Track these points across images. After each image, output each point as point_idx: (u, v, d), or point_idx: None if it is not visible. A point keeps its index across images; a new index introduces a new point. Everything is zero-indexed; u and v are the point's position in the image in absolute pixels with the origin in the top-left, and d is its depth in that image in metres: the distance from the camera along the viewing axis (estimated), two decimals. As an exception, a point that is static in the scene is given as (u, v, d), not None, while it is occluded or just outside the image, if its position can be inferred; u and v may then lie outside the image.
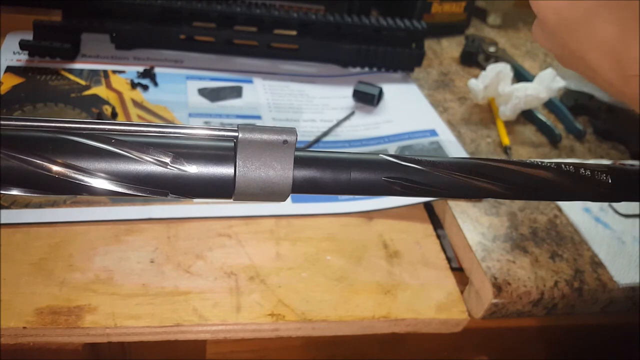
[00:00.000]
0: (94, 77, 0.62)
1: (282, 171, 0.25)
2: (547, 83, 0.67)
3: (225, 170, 0.24)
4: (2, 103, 0.56)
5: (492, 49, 0.81)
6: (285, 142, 0.25)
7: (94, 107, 0.58)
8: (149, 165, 0.23)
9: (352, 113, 0.65)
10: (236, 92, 0.65)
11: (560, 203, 0.57)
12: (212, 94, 0.64)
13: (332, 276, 0.47)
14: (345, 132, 0.62)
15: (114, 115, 0.57)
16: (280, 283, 0.45)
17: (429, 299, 0.47)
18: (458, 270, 0.51)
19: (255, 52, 0.69)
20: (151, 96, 0.61)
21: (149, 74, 0.63)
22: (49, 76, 0.60)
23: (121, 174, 0.23)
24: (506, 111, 0.68)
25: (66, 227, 0.46)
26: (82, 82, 0.61)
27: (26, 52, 0.62)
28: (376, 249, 0.50)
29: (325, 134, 0.61)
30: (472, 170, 0.28)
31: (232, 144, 0.25)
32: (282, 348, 0.51)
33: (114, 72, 0.63)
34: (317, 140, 0.60)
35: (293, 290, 0.45)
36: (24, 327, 0.38)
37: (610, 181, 0.30)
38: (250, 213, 0.50)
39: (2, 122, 0.22)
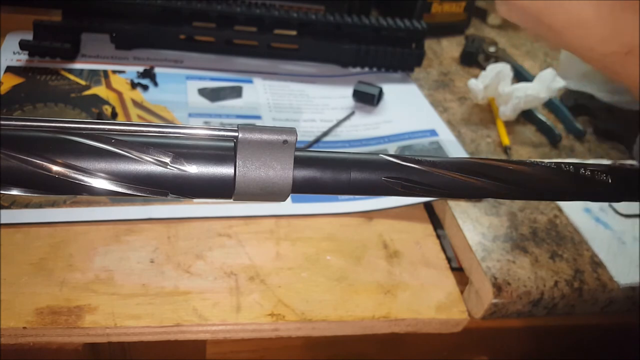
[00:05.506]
0: (94, 77, 0.62)
1: (282, 171, 0.25)
2: (547, 83, 0.67)
3: (225, 170, 0.24)
4: (2, 103, 0.55)
5: (492, 49, 0.81)
6: (285, 142, 0.25)
7: (94, 107, 0.58)
8: (149, 165, 0.23)
9: (352, 113, 0.65)
10: (236, 92, 0.65)
11: (560, 203, 0.57)
12: (212, 94, 0.64)
13: (332, 276, 0.47)
14: (345, 132, 0.62)
15: (114, 115, 0.57)
16: (280, 283, 0.45)
17: (429, 299, 0.47)
18: (458, 270, 0.51)
19: (255, 52, 0.69)
20: (151, 96, 0.61)
21: (149, 74, 0.63)
22: (49, 76, 0.60)
23: (121, 174, 0.23)
24: (506, 111, 0.68)
25: (66, 227, 0.46)
26: (82, 82, 0.61)
27: (26, 52, 0.62)
28: (376, 249, 0.50)
29: (325, 134, 0.61)
30: (472, 170, 0.28)
31: (232, 144, 0.25)
32: (282, 348, 0.51)
33: (114, 72, 0.63)
34: (317, 140, 0.60)
35: (293, 290, 0.45)
36: (24, 327, 0.38)
37: (610, 181, 0.30)
38: (250, 213, 0.50)
39: (2, 122, 0.22)
